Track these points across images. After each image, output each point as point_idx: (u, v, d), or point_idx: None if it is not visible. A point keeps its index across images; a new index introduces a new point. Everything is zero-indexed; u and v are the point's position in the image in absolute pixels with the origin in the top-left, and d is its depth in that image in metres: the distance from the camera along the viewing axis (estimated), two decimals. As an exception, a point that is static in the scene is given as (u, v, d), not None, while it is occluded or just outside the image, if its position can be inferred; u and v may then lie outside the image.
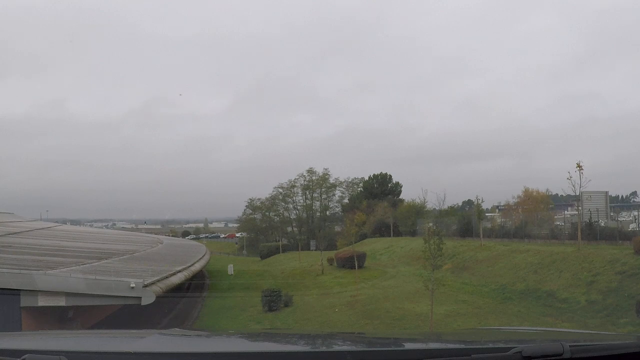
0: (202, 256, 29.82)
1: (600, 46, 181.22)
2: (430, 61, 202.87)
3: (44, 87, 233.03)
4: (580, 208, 25.04)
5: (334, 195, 71.63)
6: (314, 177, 70.66)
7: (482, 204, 32.42)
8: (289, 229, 71.53)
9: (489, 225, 35.54)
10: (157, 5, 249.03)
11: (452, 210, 43.60)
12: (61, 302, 13.72)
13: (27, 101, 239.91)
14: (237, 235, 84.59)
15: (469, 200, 59.74)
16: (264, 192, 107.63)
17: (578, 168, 22.02)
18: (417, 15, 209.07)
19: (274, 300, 20.57)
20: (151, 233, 65.20)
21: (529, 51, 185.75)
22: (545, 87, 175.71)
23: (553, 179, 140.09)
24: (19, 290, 13.20)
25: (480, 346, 2.22)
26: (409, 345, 2.37)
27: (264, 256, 52.91)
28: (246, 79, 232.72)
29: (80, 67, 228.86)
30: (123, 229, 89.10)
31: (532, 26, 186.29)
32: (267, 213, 72.54)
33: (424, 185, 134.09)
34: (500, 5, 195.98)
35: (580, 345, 1.88)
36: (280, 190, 71.67)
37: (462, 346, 2.37)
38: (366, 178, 64.86)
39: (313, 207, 71.27)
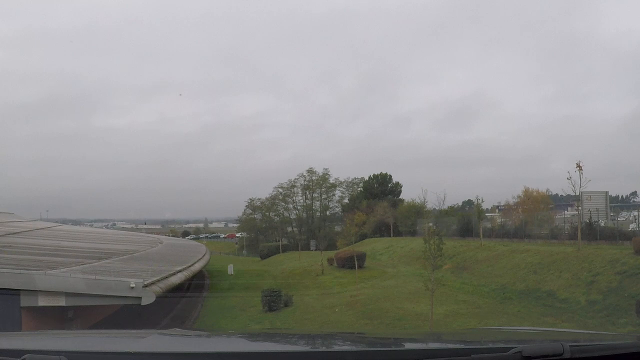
0: (202, 256, 29.79)
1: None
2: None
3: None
4: (580, 208, 25.02)
5: (334, 195, 71.55)
6: (314, 177, 70.56)
7: (482, 204, 32.41)
8: (289, 229, 71.36)
9: (489, 225, 35.51)
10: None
11: (452, 210, 43.58)
12: (61, 302, 13.71)
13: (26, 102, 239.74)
14: (237, 235, 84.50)
15: (469, 200, 59.69)
16: (264, 192, 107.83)
17: (578, 168, 22.01)
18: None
19: (274, 300, 20.56)
20: (151, 233, 65.15)
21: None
22: (546, 89, 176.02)
23: (553, 178, 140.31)
24: (19, 290, 13.18)
25: (480, 346, 2.22)
26: (409, 345, 2.37)
27: (264, 256, 52.87)
28: (250, 82, 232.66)
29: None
30: (123, 229, 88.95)
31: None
32: (267, 213, 72.43)
33: (423, 185, 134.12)
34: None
35: (580, 345, 1.88)
36: (280, 190, 71.64)
37: (462, 346, 2.37)
38: (366, 178, 64.87)
39: (313, 207, 71.13)
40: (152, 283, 14.85)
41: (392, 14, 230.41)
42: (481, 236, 30.53)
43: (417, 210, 45.76)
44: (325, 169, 71.39)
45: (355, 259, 26.19)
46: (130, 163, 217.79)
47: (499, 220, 38.36)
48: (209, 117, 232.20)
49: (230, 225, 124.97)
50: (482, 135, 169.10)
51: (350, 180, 71.11)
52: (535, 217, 32.24)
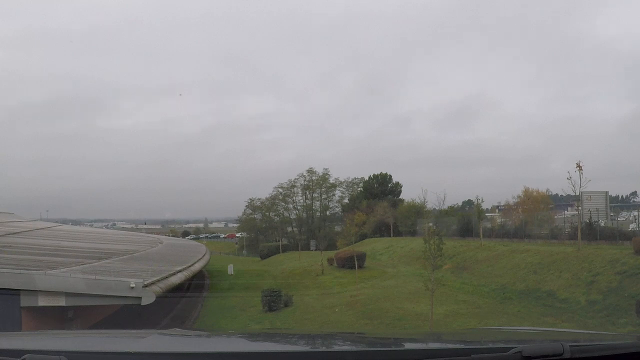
0: (202, 256, 29.79)
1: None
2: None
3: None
4: (580, 208, 25.01)
5: (334, 195, 71.56)
6: (314, 177, 70.56)
7: (482, 204, 32.41)
8: (289, 229, 71.33)
9: (489, 225, 35.50)
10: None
11: (452, 210, 43.59)
12: (61, 302, 13.70)
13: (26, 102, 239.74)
14: (237, 235, 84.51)
15: (469, 200, 59.69)
16: (264, 192, 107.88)
17: (578, 168, 22.00)
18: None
19: (274, 300, 20.56)
20: (151, 233, 65.14)
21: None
22: (545, 89, 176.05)
23: (553, 178, 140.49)
24: (19, 290, 13.18)
25: (480, 346, 2.22)
26: (409, 345, 2.37)
27: (264, 256, 52.86)
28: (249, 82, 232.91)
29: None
30: (123, 229, 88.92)
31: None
32: (267, 213, 72.44)
33: (423, 185, 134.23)
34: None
35: (580, 345, 1.88)
36: (280, 190, 71.64)
37: (462, 346, 2.37)
38: (366, 178, 64.87)
39: (313, 207, 71.12)
40: (152, 283, 14.85)
41: (392, 14, 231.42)
42: (481, 236, 30.52)
43: (417, 210, 45.76)
44: (325, 169, 71.50)
45: (355, 259, 26.18)
46: (131, 163, 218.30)
47: (499, 220, 38.36)
48: (209, 117, 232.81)
49: (230, 225, 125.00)
50: (482, 135, 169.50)
51: (350, 180, 71.21)
52: (535, 217, 32.23)
